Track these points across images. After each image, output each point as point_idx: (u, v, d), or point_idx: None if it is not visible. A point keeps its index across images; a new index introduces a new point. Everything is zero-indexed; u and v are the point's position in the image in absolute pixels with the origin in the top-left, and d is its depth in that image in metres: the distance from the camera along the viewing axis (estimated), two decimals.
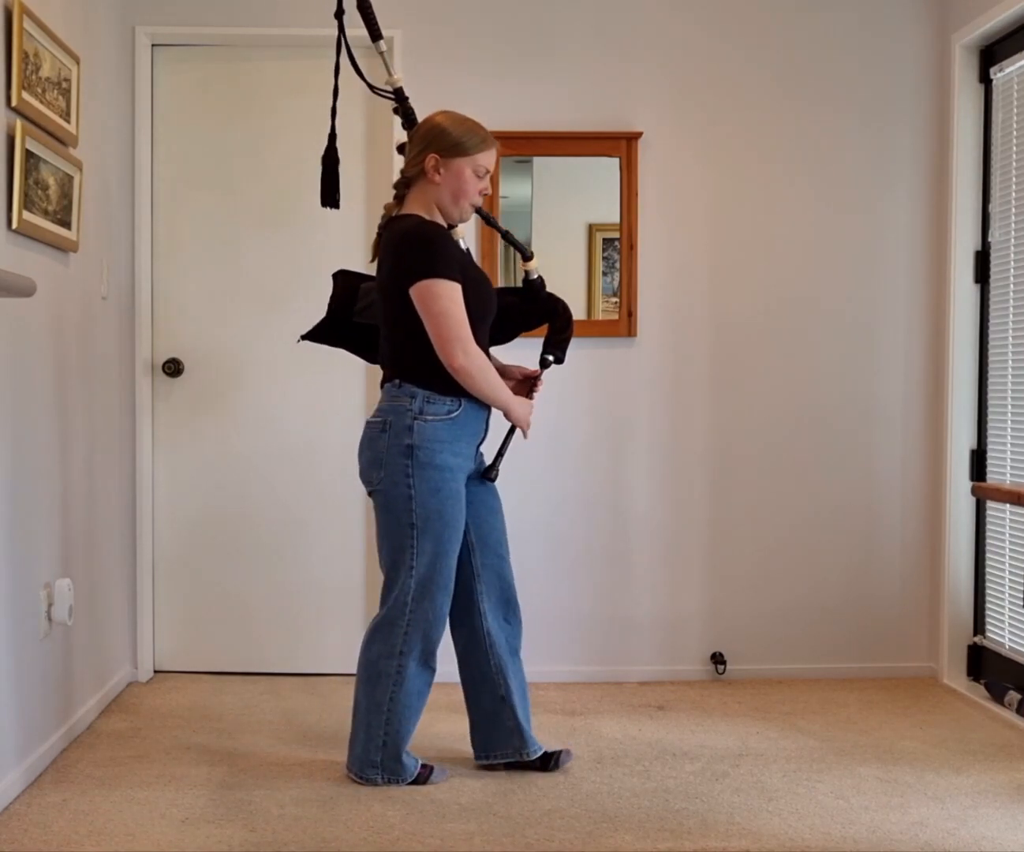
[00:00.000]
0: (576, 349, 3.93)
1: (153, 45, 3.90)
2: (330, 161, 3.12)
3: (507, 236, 3.13)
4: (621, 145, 3.91)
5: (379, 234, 2.95)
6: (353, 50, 3.10)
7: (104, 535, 3.60)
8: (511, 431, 3.04)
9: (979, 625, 3.87)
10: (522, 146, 3.89)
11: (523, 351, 3.34)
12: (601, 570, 3.99)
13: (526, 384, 3.09)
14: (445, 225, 2.91)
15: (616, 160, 3.92)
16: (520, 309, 3.12)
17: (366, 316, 3.06)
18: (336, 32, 3.08)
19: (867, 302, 3.99)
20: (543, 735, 3.34)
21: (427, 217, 2.86)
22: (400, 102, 3.08)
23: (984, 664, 3.82)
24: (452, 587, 2.91)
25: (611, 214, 3.94)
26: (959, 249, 3.85)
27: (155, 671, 3.98)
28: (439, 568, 2.86)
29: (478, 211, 2.99)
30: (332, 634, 4.00)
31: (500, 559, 3.04)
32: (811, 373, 3.99)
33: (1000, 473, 3.74)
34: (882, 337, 4.00)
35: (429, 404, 2.82)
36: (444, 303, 2.74)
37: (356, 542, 4.01)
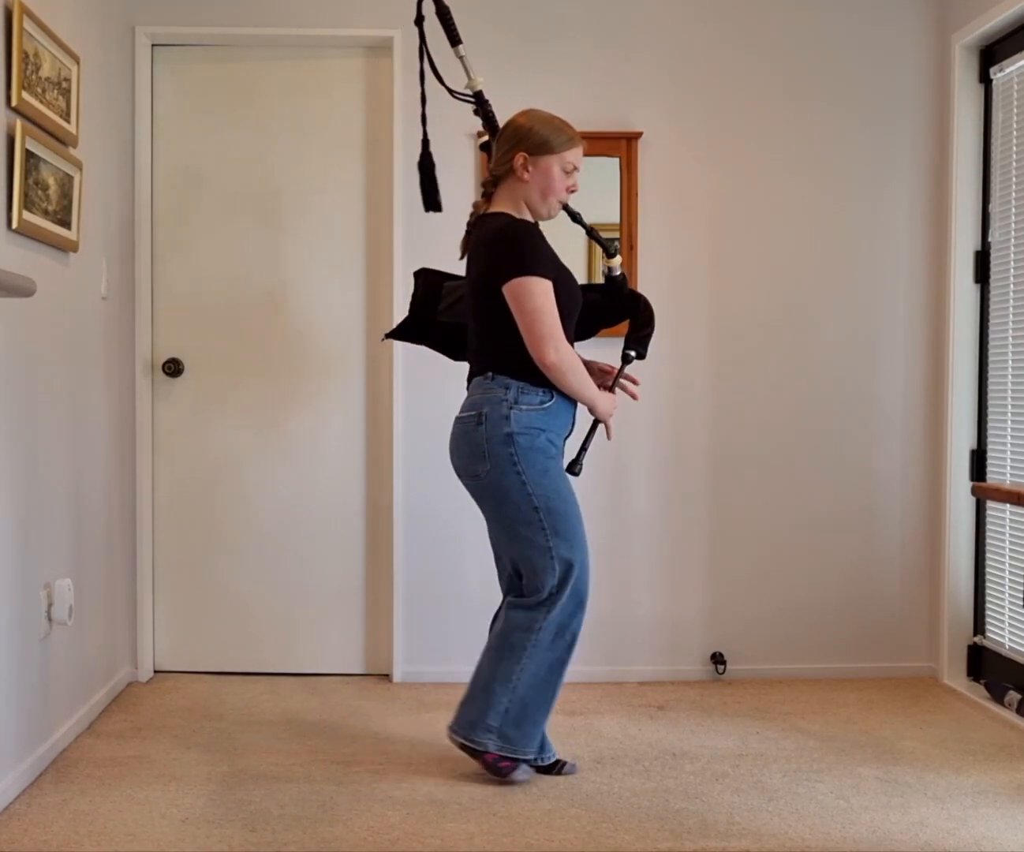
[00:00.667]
0: (576, 349, 3.93)
1: (153, 45, 3.91)
2: (426, 166, 3.15)
3: (592, 233, 3.12)
4: (621, 145, 3.91)
5: (468, 232, 2.98)
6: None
7: (104, 535, 3.60)
8: (594, 426, 3.04)
9: (979, 625, 3.87)
10: None
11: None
12: (601, 570, 3.98)
13: (606, 380, 3.09)
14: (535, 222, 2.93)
15: (616, 160, 3.92)
16: (602, 305, 3.13)
17: (451, 314, 3.10)
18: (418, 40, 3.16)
19: (867, 302, 3.99)
20: None
21: (516, 215, 2.90)
22: (480, 105, 3.09)
23: (984, 664, 3.82)
24: (588, 561, 2.95)
25: (611, 214, 3.94)
26: (959, 249, 3.85)
27: (155, 671, 3.98)
28: (579, 546, 2.91)
29: (565, 208, 3.00)
30: (332, 634, 4.01)
31: None
32: (811, 373, 3.99)
33: (1000, 473, 3.74)
34: (882, 337, 4.00)
35: (523, 395, 2.86)
36: (538, 300, 2.78)
37: (356, 542, 4.01)
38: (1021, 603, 3.59)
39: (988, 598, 3.82)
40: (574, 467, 2.99)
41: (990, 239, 3.80)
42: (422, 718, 3.52)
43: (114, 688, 3.69)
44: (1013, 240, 3.65)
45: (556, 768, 3.01)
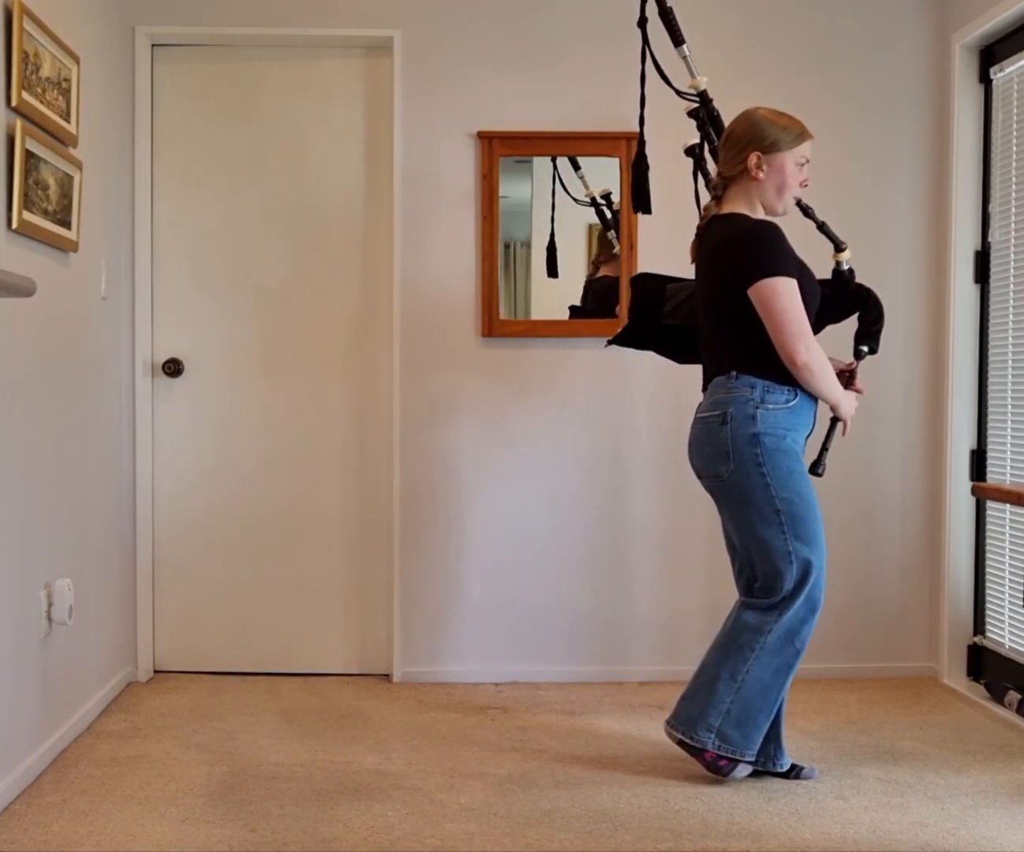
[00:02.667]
0: (576, 349, 3.95)
1: (153, 45, 3.91)
2: (640, 168, 3.16)
3: (823, 227, 3.08)
4: (621, 145, 3.91)
5: (698, 236, 2.99)
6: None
7: (104, 535, 3.60)
8: (833, 425, 3.01)
9: (979, 625, 3.87)
10: (522, 146, 3.90)
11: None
12: (601, 570, 3.99)
13: (843, 377, 3.05)
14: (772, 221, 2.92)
15: (616, 160, 3.92)
16: (831, 301, 3.08)
17: (677, 315, 3.12)
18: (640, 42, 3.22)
19: None
20: (543, 734, 3.34)
21: (751, 215, 2.89)
22: (704, 104, 3.10)
23: (984, 664, 3.82)
24: (825, 568, 2.90)
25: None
26: (959, 249, 3.85)
27: (155, 671, 3.98)
28: (816, 550, 2.87)
29: (797, 202, 2.98)
30: (332, 634, 4.01)
31: None
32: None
33: (1000, 473, 3.74)
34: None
35: (769, 394, 2.84)
36: (786, 301, 2.78)
37: (356, 542, 4.01)
38: (1021, 603, 3.59)
39: (988, 598, 3.82)
40: (817, 468, 2.97)
41: (990, 239, 3.80)
42: (422, 718, 3.52)
43: (114, 688, 3.69)
44: (1013, 240, 3.65)
45: (793, 773, 2.96)
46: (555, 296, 3.96)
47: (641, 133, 3.19)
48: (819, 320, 3.06)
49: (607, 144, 3.91)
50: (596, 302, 3.95)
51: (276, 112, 3.96)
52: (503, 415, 3.95)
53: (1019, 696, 3.49)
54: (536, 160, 3.94)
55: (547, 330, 3.93)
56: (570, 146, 3.90)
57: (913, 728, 3.43)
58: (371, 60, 3.96)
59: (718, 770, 2.89)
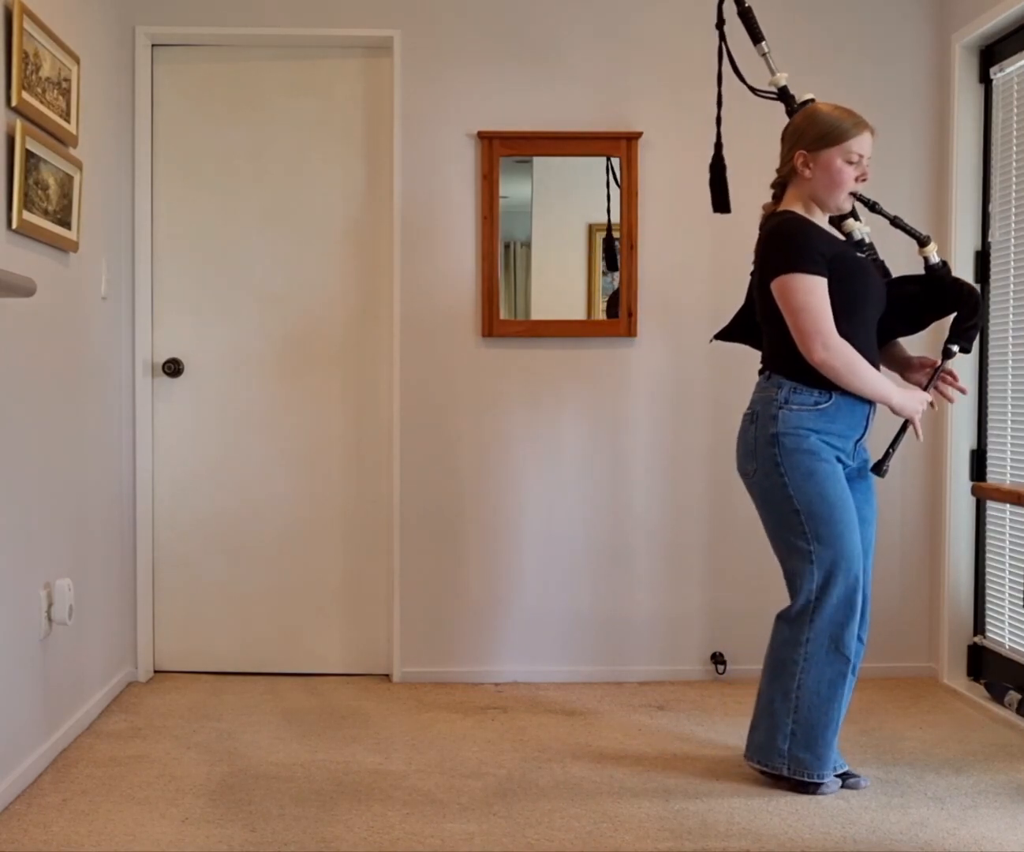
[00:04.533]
0: (576, 349, 3.95)
1: (153, 45, 3.90)
2: (718, 169, 3.16)
3: (897, 221, 2.99)
4: (621, 145, 3.91)
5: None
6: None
7: (104, 535, 3.60)
8: (904, 426, 2.93)
9: (979, 625, 3.87)
10: (522, 146, 3.89)
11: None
12: (601, 570, 3.99)
13: (922, 378, 3.00)
14: (823, 218, 2.88)
15: (616, 160, 3.92)
16: (924, 297, 2.98)
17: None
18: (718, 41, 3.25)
19: None
20: (543, 734, 3.34)
21: (802, 212, 2.87)
22: (785, 101, 3.08)
23: (984, 664, 3.82)
24: (859, 573, 2.83)
25: (612, 214, 3.94)
26: (959, 249, 3.84)
27: (155, 671, 3.98)
28: (841, 553, 2.82)
29: (859, 198, 2.90)
30: (332, 634, 4.01)
31: (863, 571, 2.92)
32: None
33: (1000, 473, 3.74)
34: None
35: (795, 394, 2.82)
36: (801, 297, 2.75)
37: (356, 542, 4.01)
38: (1021, 603, 3.59)
39: (988, 598, 3.82)
40: (879, 468, 2.90)
41: (990, 239, 3.80)
42: (422, 718, 3.52)
43: (114, 688, 3.69)
44: (1013, 240, 3.65)
45: (844, 780, 2.92)
46: (555, 296, 3.96)
47: (718, 133, 3.18)
48: (917, 317, 2.97)
49: (607, 144, 3.91)
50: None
51: (276, 112, 3.96)
52: (503, 415, 3.95)
53: (1019, 696, 3.49)
54: (536, 160, 3.94)
55: (547, 330, 3.93)
56: (570, 146, 3.90)
57: (913, 728, 3.43)
58: (371, 60, 3.96)
59: (806, 790, 2.86)
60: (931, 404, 2.94)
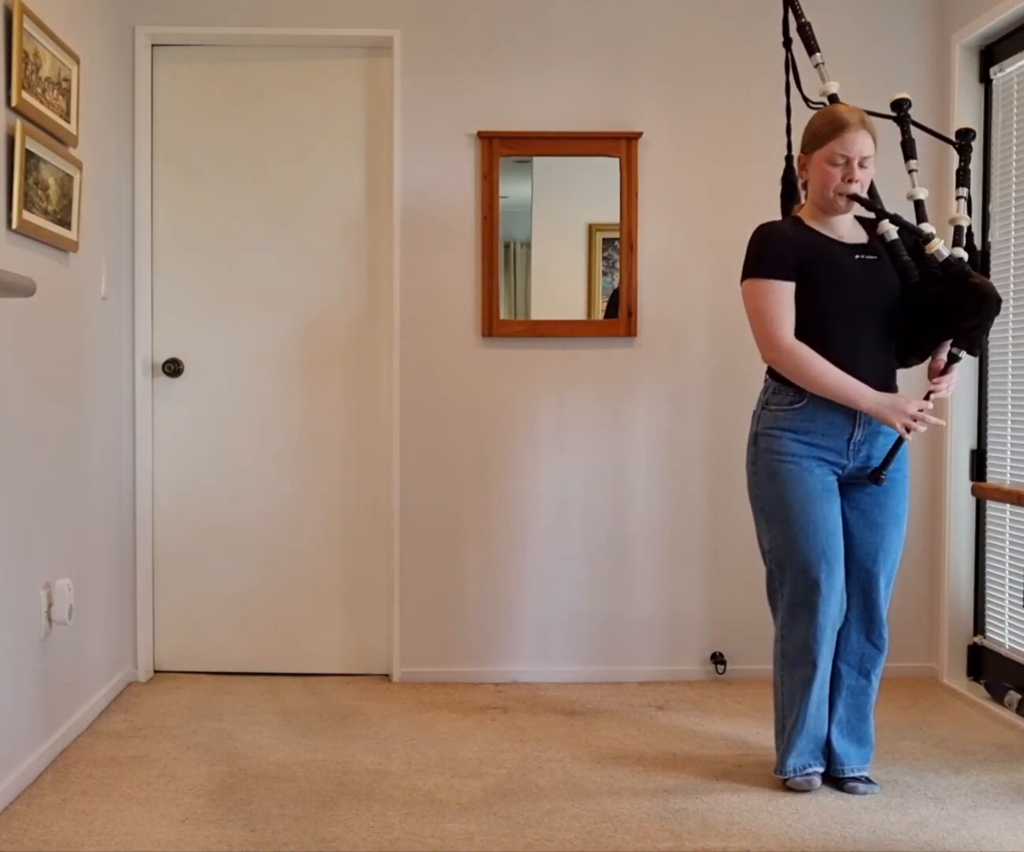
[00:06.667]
0: (576, 349, 3.95)
1: (153, 45, 3.91)
2: (788, 181, 3.13)
3: (896, 220, 2.90)
4: (621, 145, 3.91)
5: None
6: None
7: (104, 535, 3.60)
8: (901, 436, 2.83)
9: (979, 625, 3.87)
10: (522, 146, 3.90)
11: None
12: (601, 570, 3.99)
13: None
14: (830, 219, 2.88)
15: (616, 160, 3.92)
16: (946, 297, 2.80)
17: None
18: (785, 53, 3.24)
19: None
20: (543, 734, 3.34)
21: (810, 215, 2.90)
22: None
23: (984, 664, 3.82)
24: (816, 576, 2.80)
25: (611, 214, 3.94)
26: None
27: (155, 671, 3.98)
28: (790, 555, 2.84)
29: (856, 198, 2.83)
30: (332, 634, 4.01)
31: (867, 574, 2.89)
32: None
33: (1000, 473, 3.74)
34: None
35: (775, 395, 2.89)
36: (755, 301, 2.84)
37: (356, 542, 4.01)
38: (1021, 603, 3.59)
39: (988, 598, 3.82)
40: (876, 476, 2.84)
41: (990, 239, 3.80)
42: (422, 718, 3.52)
43: (114, 688, 3.69)
44: (1013, 240, 3.65)
45: (844, 783, 2.92)
46: (555, 296, 3.96)
47: (788, 144, 3.17)
48: (946, 320, 2.79)
49: (607, 144, 3.91)
50: None
51: (276, 112, 3.96)
52: (503, 415, 3.95)
53: (1019, 696, 3.49)
54: (536, 160, 3.94)
55: (547, 330, 3.93)
56: (570, 146, 3.90)
57: (913, 728, 3.43)
58: (371, 60, 3.96)
59: (783, 785, 2.92)
60: (920, 413, 2.78)
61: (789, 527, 2.83)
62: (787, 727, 2.91)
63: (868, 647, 2.94)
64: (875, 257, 2.90)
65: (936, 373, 2.86)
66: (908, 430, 2.79)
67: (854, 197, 2.83)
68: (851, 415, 2.83)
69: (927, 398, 2.82)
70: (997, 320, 3.73)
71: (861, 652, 2.94)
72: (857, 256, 2.88)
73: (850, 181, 2.82)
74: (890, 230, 2.92)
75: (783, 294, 2.81)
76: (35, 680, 2.97)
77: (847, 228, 2.91)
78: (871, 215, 2.93)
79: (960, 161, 3.07)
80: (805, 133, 2.90)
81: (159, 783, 2.92)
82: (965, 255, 2.90)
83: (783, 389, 2.86)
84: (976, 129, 3.82)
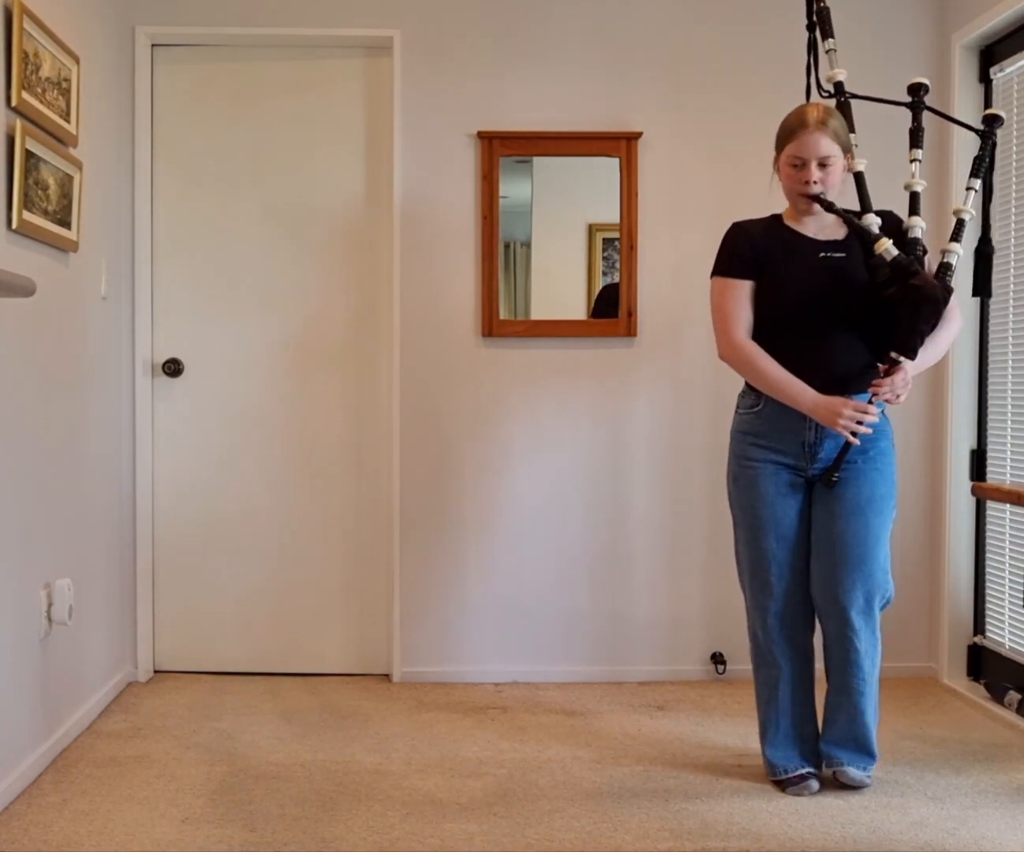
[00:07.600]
0: (576, 349, 3.95)
1: (153, 45, 3.91)
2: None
3: (848, 220, 2.82)
4: (621, 145, 3.91)
5: None
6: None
7: (104, 535, 3.60)
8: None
9: (979, 625, 3.87)
10: (522, 146, 3.89)
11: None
12: (601, 570, 3.99)
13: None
14: (805, 217, 2.86)
15: (616, 160, 3.92)
16: (896, 298, 2.73)
17: None
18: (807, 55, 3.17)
19: None
20: (543, 734, 3.34)
21: (789, 213, 2.91)
22: (838, 96, 3.05)
23: (984, 664, 3.82)
24: (768, 579, 2.86)
25: (611, 214, 3.94)
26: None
27: (155, 671, 3.98)
28: (746, 557, 2.93)
29: (818, 200, 2.79)
30: (332, 634, 4.01)
31: (830, 568, 2.83)
32: None
33: (1000, 473, 3.74)
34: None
35: (743, 398, 2.95)
36: (713, 299, 2.91)
37: (356, 542, 4.01)
38: (1021, 603, 3.59)
39: (988, 598, 3.82)
40: (826, 479, 2.81)
41: (989, 239, 3.79)
42: (422, 718, 3.52)
43: (114, 688, 3.69)
44: (1013, 240, 3.65)
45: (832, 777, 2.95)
46: (555, 296, 3.96)
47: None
48: (917, 320, 2.70)
49: (607, 144, 3.91)
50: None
51: (276, 112, 3.96)
52: (503, 415, 3.95)
53: (1019, 696, 3.49)
54: (536, 160, 3.94)
55: (547, 330, 3.93)
56: (570, 146, 3.90)
57: (913, 728, 3.43)
58: (371, 60, 3.96)
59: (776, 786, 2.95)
60: (850, 416, 2.72)
61: (746, 530, 2.91)
62: (761, 726, 2.98)
63: (838, 645, 2.90)
64: (843, 255, 2.83)
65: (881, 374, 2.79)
66: (853, 433, 2.73)
67: (814, 198, 2.81)
68: (804, 418, 2.81)
69: (870, 401, 2.76)
70: (997, 320, 3.77)
71: (834, 650, 2.93)
72: (822, 253, 2.84)
73: (806, 182, 2.81)
74: (875, 231, 2.86)
75: (739, 292, 2.85)
76: (35, 680, 2.97)
77: (824, 225, 2.88)
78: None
79: (979, 150, 3.02)
80: (777, 134, 2.90)
81: (159, 783, 2.92)
82: (922, 253, 2.81)
83: (747, 393, 2.92)
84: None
